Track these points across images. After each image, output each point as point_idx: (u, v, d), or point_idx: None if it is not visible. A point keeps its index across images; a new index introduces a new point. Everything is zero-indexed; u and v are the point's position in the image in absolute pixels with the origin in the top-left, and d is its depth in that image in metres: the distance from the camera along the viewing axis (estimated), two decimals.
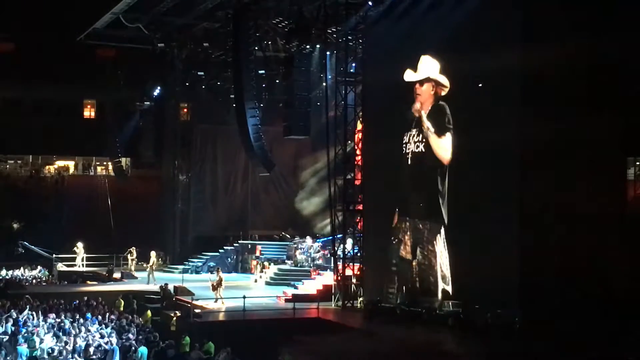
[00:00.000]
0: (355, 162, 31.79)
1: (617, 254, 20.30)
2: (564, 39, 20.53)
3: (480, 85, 23.23)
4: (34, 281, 38.55)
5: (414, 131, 26.11)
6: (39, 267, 41.07)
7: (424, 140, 25.51)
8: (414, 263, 25.83)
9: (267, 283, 36.34)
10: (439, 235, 24.72)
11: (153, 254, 38.42)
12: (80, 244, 41.53)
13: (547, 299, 20.47)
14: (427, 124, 25.32)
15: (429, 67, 25.54)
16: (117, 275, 39.09)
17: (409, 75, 26.37)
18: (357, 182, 31.59)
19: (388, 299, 26.85)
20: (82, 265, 41.51)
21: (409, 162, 26.18)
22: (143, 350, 21.57)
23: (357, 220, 30.80)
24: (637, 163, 23.69)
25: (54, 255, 41.20)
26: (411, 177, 26.42)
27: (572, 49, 20.14)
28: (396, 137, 26.85)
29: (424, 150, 25.52)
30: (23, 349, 21.22)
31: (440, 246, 24.60)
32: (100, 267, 40.74)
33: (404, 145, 26.40)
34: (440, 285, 24.50)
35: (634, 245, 20.52)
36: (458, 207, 24.12)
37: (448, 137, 24.62)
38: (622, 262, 20.10)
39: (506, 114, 22.17)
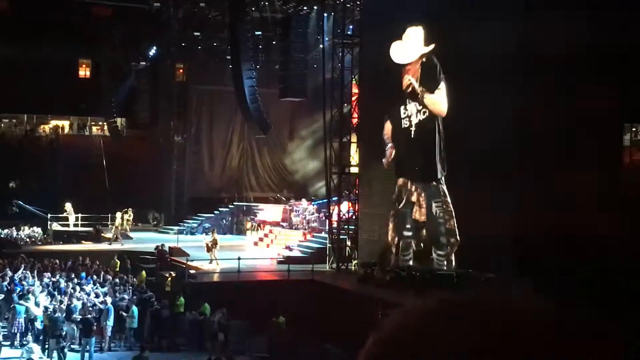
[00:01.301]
0: (352, 125, 31.69)
1: (614, 221, 20.30)
2: (563, 11, 20.37)
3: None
4: (29, 240, 38.55)
5: (413, 104, 25.78)
6: (34, 227, 41.00)
7: (426, 107, 25.21)
8: (431, 221, 25.38)
9: (256, 244, 36.52)
10: (444, 191, 24.73)
11: (118, 214, 38.41)
12: (69, 205, 41.25)
13: (542, 262, 20.54)
14: (418, 89, 25.01)
15: (416, 41, 25.05)
16: (110, 235, 39.12)
17: (397, 56, 25.66)
18: (353, 145, 31.54)
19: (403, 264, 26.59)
20: (77, 225, 41.39)
21: (412, 135, 25.81)
22: (135, 309, 21.82)
23: (355, 184, 30.81)
24: (633, 129, 23.62)
25: (49, 215, 41.12)
26: (414, 143, 26.09)
27: (571, 21, 20.00)
28: (393, 101, 26.67)
29: (428, 113, 25.27)
30: (21, 307, 21.39)
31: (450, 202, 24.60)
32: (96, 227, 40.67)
33: (405, 118, 26.03)
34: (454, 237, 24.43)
35: (629, 210, 20.53)
36: (457, 164, 24.14)
37: (442, 88, 24.46)
38: (619, 229, 20.10)
39: (503, 80, 22.06)
